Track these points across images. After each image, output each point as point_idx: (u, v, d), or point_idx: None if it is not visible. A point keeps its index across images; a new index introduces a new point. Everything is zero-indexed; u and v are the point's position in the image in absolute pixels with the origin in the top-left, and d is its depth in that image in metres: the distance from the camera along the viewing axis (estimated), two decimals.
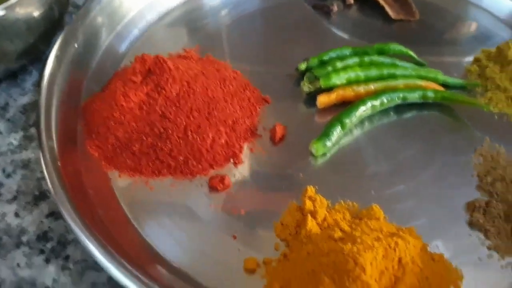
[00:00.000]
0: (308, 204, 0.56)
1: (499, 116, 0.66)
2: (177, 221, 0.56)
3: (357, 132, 0.65)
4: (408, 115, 0.67)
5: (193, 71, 0.63)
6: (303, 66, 0.68)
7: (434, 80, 0.68)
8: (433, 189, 0.59)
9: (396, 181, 0.60)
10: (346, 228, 0.53)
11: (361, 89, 0.65)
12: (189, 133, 0.59)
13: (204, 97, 0.61)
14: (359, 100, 0.64)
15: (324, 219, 0.55)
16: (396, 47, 0.70)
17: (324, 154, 0.62)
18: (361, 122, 0.65)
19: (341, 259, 0.48)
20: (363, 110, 0.63)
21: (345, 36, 0.76)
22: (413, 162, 0.62)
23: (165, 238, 0.55)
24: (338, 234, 0.52)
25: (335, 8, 0.79)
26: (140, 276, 0.49)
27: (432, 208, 0.58)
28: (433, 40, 0.76)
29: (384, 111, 0.66)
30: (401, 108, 0.66)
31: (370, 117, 0.66)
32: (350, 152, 0.63)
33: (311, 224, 0.54)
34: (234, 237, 0.55)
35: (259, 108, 0.66)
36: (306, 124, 0.65)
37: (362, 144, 0.64)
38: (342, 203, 0.58)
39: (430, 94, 0.65)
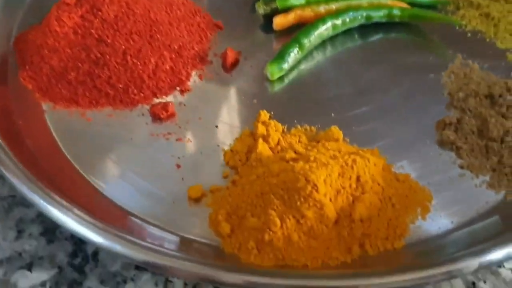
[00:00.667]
0: (261, 129, 0.50)
1: (472, 33, 0.60)
2: (117, 152, 0.51)
3: (318, 56, 0.59)
4: (375, 37, 0.61)
5: None
6: None
7: None
8: (399, 110, 0.54)
9: (359, 103, 0.54)
10: (301, 150, 0.48)
11: (322, 9, 0.59)
12: (129, 58, 0.54)
13: (145, 19, 0.56)
14: (319, 19, 0.58)
15: (278, 143, 0.50)
16: None
17: (281, 79, 0.57)
18: (323, 45, 0.59)
19: (291, 177, 0.43)
20: (323, 29, 0.58)
21: None
22: (379, 84, 0.56)
23: (103, 171, 0.50)
24: (291, 155, 0.47)
25: None
26: (73, 209, 0.44)
27: (398, 129, 0.52)
28: None
29: (348, 34, 0.60)
30: (366, 30, 0.61)
31: (332, 41, 0.60)
32: (310, 76, 0.57)
33: (262, 148, 0.49)
34: (178, 166, 0.50)
35: (210, 34, 0.60)
36: (263, 50, 0.59)
37: (323, 68, 0.58)
38: (299, 127, 0.52)
39: (396, 12, 0.60)
